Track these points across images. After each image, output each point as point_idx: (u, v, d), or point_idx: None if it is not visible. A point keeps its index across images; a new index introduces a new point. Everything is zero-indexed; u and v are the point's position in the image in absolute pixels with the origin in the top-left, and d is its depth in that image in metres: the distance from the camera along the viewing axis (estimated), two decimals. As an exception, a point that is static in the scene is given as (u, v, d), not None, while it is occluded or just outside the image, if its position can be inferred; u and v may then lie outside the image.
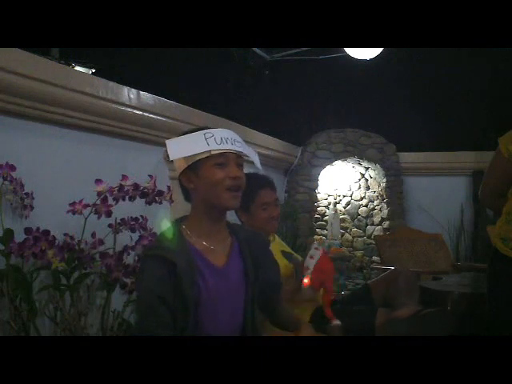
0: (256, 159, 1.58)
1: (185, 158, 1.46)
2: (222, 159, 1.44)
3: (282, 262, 2.35)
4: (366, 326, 2.29)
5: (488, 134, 2.69)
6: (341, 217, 5.07)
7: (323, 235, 5.01)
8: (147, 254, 1.46)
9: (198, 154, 1.43)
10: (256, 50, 4.90)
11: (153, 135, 2.44)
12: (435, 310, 2.32)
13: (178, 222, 1.51)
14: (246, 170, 1.52)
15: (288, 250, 2.55)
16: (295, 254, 2.54)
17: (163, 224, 1.94)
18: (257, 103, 4.65)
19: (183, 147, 1.44)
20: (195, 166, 1.45)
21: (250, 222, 2.27)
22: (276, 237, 2.51)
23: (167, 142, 1.45)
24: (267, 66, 5.10)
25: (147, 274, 1.42)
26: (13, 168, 1.68)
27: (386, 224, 4.84)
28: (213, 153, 1.43)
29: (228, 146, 1.44)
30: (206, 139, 1.43)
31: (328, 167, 4.88)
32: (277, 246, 2.44)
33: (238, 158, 1.48)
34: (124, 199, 1.85)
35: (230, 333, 1.48)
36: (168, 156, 1.45)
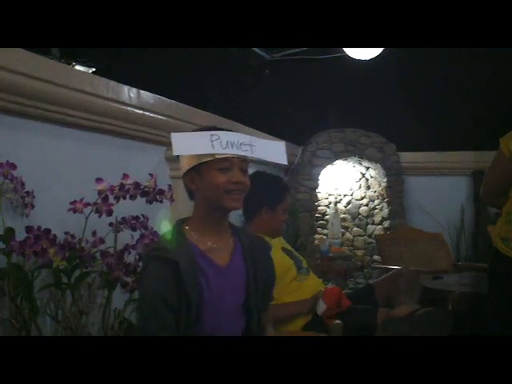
0: (274, 158, 1.50)
1: (189, 159, 1.45)
2: (225, 164, 1.43)
3: (283, 257, 2.41)
4: (367, 325, 2.30)
5: (488, 134, 2.70)
6: (341, 216, 5.08)
7: (324, 234, 5.02)
8: (149, 256, 1.45)
9: (203, 156, 1.42)
10: (256, 49, 4.89)
11: (153, 134, 2.44)
12: (432, 309, 2.34)
13: (180, 223, 1.51)
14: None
15: (288, 247, 2.60)
16: (295, 252, 2.57)
17: (164, 223, 1.95)
18: (257, 103, 4.65)
19: (188, 145, 1.41)
20: (199, 168, 1.44)
21: (269, 222, 2.29)
22: None
23: (172, 135, 1.41)
24: (267, 65, 5.10)
25: (149, 276, 1.42)
26: (13, 166, 1.68)
27: (386, 223, 4.84)
28: (217, 157, 1.41)
29: (233, 151, 1.41)
30: (211, 141, 1.40)
31: (328, 167, 4.88)
32: (278, 243, 2.48)
33: (243, 163, 1.46)
34: (125, 198, 1.85)
35: (232, 333, 1.47)
36: (169, 154, 1.44)
